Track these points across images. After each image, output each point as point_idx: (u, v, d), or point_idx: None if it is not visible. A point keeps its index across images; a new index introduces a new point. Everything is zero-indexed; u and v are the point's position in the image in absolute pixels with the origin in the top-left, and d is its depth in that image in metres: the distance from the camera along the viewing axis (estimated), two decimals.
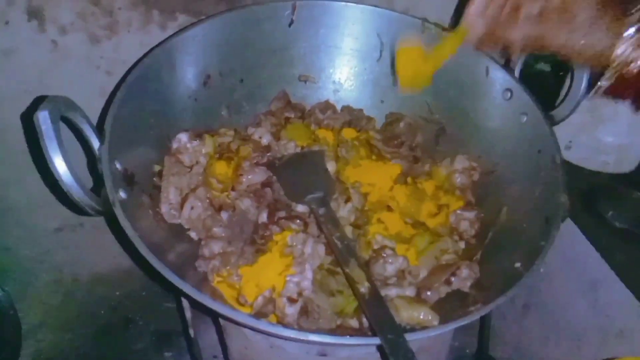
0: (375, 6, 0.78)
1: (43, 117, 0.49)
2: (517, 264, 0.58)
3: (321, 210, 0.64)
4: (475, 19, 0.56)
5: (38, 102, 0.51)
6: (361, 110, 0.82)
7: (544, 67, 0.97)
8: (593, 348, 0.79)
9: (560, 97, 0.71)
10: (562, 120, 0.70)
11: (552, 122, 0.68)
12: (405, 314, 0.58)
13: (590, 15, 0.52)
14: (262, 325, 0.50)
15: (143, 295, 1.00)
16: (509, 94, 0.72)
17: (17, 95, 0.78)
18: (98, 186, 0.56)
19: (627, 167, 0.84)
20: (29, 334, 0.92)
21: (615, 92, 0.56)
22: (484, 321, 0.78)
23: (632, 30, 0.51)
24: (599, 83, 0.55)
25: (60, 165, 0.50)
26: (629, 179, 0.83)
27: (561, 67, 0.71)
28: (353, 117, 0.81)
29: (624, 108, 0.80)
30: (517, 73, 0.73)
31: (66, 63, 0.78)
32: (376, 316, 0.52)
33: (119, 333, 0.98)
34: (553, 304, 0.87)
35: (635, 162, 0.83)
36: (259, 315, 0.60)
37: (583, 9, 0.52)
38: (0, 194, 0.87)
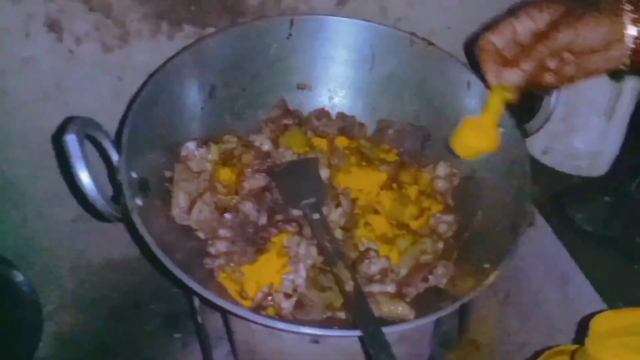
0: (367, 20, 0.82)
1: (71, 140, 0.53)
2: (486, 265, 0.62)
3: (314, 216, 0.68)
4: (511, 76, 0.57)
5: (66, 123, 0.55)
6: (354, 117, 0.86)
7: None
8: (563, 335, 0.84)
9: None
10: (535, 132, 0.73)
11: (525, 134, 0.72)
12: (386, 308, 0.63)
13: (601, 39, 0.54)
14: (260, 319, 0.55)
15: (153, 281, 1.01)
16: None
17: (36, 99, 0.82)
18: (116, 192, 0.61)
19: (597, 171, 0.89)
20: (48, 316, 0.96)
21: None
22: (462, 310, 0.84)
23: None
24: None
25: (86, 180, 0.54)
26: (599, 183, 0.88)
27: None
28: (346, 124, 0.85)
29: (595, 118, 0.85)
30: None
31: (81, 69, 0.81)
32: (358, 311, 0.57)
33: (130, 316, 1.01)
34: (530, 295, 0.92)
35: (606, 167, 0.88)
36: (259, 308, 0.64)
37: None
38: (21, 189, 0.91)
